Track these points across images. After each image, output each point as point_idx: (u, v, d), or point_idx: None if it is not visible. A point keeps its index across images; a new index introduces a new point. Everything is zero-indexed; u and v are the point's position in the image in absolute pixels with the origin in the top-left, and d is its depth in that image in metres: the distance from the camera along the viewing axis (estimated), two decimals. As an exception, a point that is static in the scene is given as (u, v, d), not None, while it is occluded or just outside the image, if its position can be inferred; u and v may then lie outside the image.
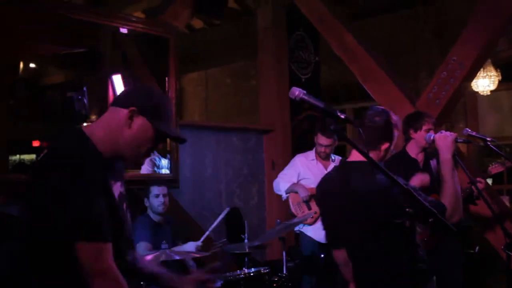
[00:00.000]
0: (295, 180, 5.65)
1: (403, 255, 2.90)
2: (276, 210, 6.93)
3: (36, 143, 8.69)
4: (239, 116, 10.48)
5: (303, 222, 5.34)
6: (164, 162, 6.70)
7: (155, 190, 4.90)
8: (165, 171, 5.96)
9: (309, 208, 5.50)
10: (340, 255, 3.08)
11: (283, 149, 6.98)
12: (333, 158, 5.76)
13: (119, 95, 2.41)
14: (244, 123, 8.57)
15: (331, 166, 5.62)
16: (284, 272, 4.53)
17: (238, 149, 6.91)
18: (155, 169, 6.37)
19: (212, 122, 9.50)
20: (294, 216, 5.38)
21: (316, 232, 5.41)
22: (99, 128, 2.26)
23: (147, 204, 4.92)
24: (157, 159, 6.72)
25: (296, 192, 5.55)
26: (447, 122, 7.27)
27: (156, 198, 4.88)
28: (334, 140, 5.58)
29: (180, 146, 5.85)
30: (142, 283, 3.76)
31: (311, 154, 5.79)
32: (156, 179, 5.24)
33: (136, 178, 5.59)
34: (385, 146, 3.00)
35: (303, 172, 5.65)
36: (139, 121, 2.25)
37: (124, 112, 2.24)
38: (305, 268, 5.31)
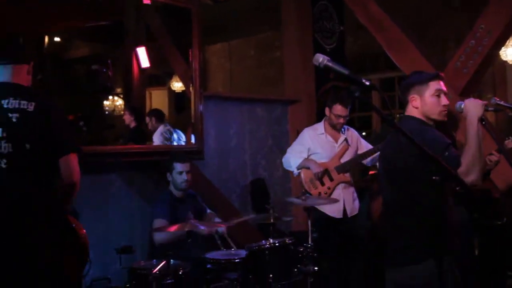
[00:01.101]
0: (305, 155, 5.46)
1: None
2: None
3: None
4: (263, 88, 10.43)
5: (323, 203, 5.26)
6: (176, 135, 6.74)
7: (178, 167, 4.85)
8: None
9: (322, 184, 5.37)
10: None
11: (308, 119, 6.91)
12: (343, 130, 5.57)
13: None
14: (268, 94, 8.52)
15: (342, 138, 5.51)
16: (310, 242, 4.46)
17: (262, 120, 6.87)
18: (166, 142, 6.42)
19: (237, 93, 9.45)
20: (307, 193, 5.15)
21: (329, 207, 5.32)
22: None
23: (169, 179, 4.89)
24: (167, 132, 6.76)
25: (308, 168, 5.40)
26: (475, 92, 7.13)
27: (179, 175, 4.84)
28: (349, 111, 5.46)
29: (204, 118, 5.79)
30: (170, 252, 3.83)
31: (320, 127, 5.59)
32: (180, 150, 5.22)
33: (159, 149, 5.63)
34: None
35: (313, 147, 5.49)
36: None
37: None
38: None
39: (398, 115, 7.82)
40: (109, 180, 5.37)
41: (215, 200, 5.78)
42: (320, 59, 2.25)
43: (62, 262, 3.19)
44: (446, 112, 3.26)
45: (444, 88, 3.24)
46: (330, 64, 2.24)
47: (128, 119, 7.45)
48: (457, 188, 3.13)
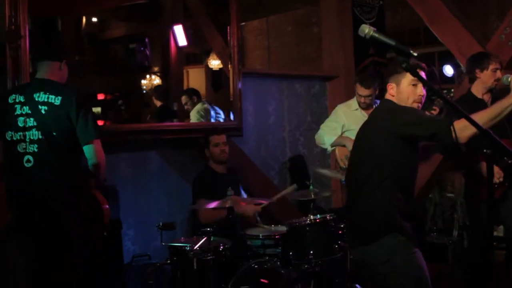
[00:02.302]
0: (339, 132, 5.34)
1: None
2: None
3: (101, 96, 8.87)
4: (301, 65, 10.32)
5: None
6: (213, 112, 6.73)
7: (214, 139, 4.86)
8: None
9: None
10: None
11: (347, 96, 6.72)
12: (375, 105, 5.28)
13: None
14: (307, 71, 8.41)
15: None
16: None
17: (301, 96, 6.77)
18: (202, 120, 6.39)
19: (275, 70, 9.37)
20: (343, 168, 5.01)
21: None
22: None
23: (207, 155, 4.89)
24: (203, 110, 6.75)
25: (344, 146, 5.21)
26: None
27: (216, 147, 4.84)
28: (374, 89, 5.29)
29: (243, 95, 5.75)
30: (210, 229, 3.82)
31: (353, 103, 5.47)
32: (218, 127, 5.18)
33: (196, 127, 5.62)
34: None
35: (348, 123, 5.35)
36: None
37: None
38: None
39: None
40: (148, 158, 5.36)
41: (254, 177, 5.72)
42: (366, 30, 2.21)
43: (88, 230, 3.73)
44: (420, 102, 3.31)
45: (424, 77, 3.18)
46: (376, 34, 2.18)
47: (154, 98, 7.50)
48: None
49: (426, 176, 5.59)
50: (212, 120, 6.92)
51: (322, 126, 5.52)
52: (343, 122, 5.37)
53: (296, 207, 5.90)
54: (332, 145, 5.31)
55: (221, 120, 7.04)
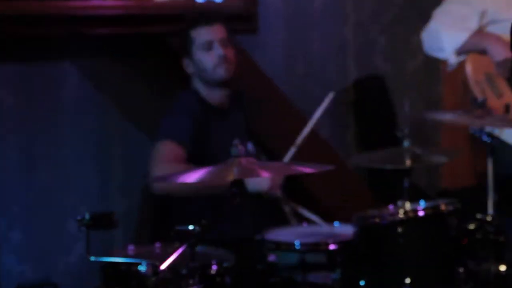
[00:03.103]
0: (475, 26, 3.48)
1: None
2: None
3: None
4: None
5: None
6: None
7: (202, 34, 2.99)
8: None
9: None
10: None
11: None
12: None
13: None
14: None
15: None
16: (490, 211, 2.65)
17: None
18: None
19: None
20: (478, 103, 3.12)
21: None
22: None
23: (190, 70, 3.05)
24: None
25: (483, 52, 3.42)
26: None
27: (207, 52, 2.97)
28: None
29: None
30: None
31: None
32: (207, 9, 3.35)
33: (160, 8, 3.60)
34: None
35: (494, 7, 3.56)
36: None
37: None
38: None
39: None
40: (59, 76, 3.44)
41: (280, 118, 3.76)
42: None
43: None
44: None
45: None
46: None
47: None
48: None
49: None
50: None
51: (438, 13, 3.63)
52: (484, 5, 3.55)
53: (366, 184, 3.86)
54: (458, 51, 3.44)
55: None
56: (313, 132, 3.44)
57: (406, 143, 2.70)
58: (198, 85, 3.00)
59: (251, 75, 3.42)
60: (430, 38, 3.54)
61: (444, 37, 3.49)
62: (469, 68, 3.51)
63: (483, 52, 3.40)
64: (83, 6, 3.43)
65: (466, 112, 2.76)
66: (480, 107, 2.66)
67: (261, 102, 3.58)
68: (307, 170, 2.51)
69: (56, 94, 3.40)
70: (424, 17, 3.64)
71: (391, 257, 2.68)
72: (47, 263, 3.44)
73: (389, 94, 4.08)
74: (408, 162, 2.70)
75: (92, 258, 2.42)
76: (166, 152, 2.89)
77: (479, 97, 3.21)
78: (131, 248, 2.66)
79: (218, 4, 3.62)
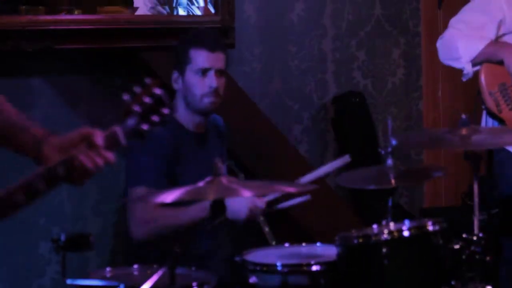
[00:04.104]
0: (492, 36, 3.35)
1: None
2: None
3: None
4: None
5: None
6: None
7: (201, 58, 2.77)
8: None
9: None
10: None
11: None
12: None
13: None
14: None
15: None
16: (476, 231, 2.51)
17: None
18: (159, 8, 3.81)
19: None
20: (491, 114, 3.16)
21: None
22: None
23: (176, 87, 2.87)
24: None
25: (500, 62, 3.30)
26: None
27: (200, 77, 2.76)
28: None
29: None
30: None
31: None
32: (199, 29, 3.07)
33: (147, 22, 3.55)
34: None
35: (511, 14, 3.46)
36: None
37: None
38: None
39: None
40: (30, 91, 3.35)
41: (259, 136, 3.66)
42: None
43: None
44: None
45: None
46: None
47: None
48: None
49: None
50: (181, 11, 4.50)
51: (454, 22, 3.50)
52: (503, 14, 3.44)
53: (348, 203, 3.78)
54: (474, 61, 3.35)
55: (197, 13, 4.61)
56: (293, 149, 3.35)
57: (389, 162, 2.56)
58: (179, 103, 2.86)
59: (229, 94, 3.18)
60: (445, 47, 3.43)
61: (460, 46, 3.39)
62: (482, 78, 3.40)
63: (499, 62, 3.30)
64: (55, 20, 3.28)
65: (451, 131, 2.53)
66: (465, 125, 2.47)
67: (237, 119, 3.46)
68: (289, 189, 2.43)
69: (27, 110, 3.23)
70: (404, 31, 3.55)
71: (375, 278, 2.49)
72: (20, 286, 3.35)
73: (370, 110, 3.89)
74: (393, 182, 2.56)
75: (69, 281, 2.35)
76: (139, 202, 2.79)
77: (490, 106, 3.26)
78: (108, 270, 2.57)
79: (198, 16, 3.51)
